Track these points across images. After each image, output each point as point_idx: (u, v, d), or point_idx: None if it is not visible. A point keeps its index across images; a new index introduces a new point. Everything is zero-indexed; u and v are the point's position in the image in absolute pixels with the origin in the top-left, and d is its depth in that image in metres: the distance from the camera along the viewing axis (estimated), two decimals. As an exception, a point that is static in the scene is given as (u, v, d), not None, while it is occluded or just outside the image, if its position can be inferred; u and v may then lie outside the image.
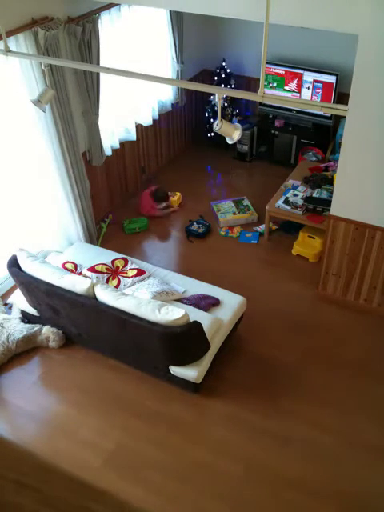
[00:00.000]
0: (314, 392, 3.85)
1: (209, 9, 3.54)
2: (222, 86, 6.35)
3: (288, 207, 5.11)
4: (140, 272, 4.30)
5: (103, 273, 4.28)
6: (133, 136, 5.67)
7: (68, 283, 3.69)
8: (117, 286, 4.21)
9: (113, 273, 4.32)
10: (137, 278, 4.27)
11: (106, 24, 4.73)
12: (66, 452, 3.51)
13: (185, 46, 5.97)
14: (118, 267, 4.37)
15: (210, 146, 6.88)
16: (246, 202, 5.82)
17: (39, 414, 3.78)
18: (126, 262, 4.43)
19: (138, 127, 5.78)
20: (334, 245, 4.30)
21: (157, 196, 5.77)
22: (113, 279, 4.28)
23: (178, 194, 5.93)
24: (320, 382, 3.93)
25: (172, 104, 6.27)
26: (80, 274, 4.23)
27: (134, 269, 4.34)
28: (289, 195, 5.23)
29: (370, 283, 4.33)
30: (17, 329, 4.13)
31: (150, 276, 4.30)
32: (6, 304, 4.58)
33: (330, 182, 5.29)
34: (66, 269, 4.24)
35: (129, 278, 4.28)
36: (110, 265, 4.38)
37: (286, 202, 5.16)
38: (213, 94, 6.42)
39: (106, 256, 4.50)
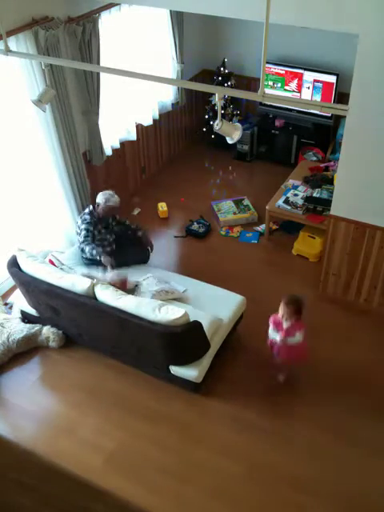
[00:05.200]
0: (313, 391, 3.85)
1: (209, 9, 3.54)
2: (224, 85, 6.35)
3: (288, 207, 5.11)
4: None
5: None
6: (133, 136, 5.68)
7: (68, 283, 3.69)
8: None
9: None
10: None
11: (106, 24, 4.73)
12: (66, 452, 3.51)
13: (185, 45, 5.97)
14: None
15: (210, 146, 6.87)
16: (246, 201, 5.82)
17: (39, 413, 3.78)
18: None
19: (138, 127, 5.79)
20: (334, 245, 4.30)
21: None
22: None
23: (164, 204, 5.78)
24: (320, 381, 3.93)
25: (172, 104, 6.27)
26: None
27: None
28: (289, 195, 5.23)
29: (370, 283, 4.33)
30: (17, 329, 4.13)
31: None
32: (6, 304, 4.58)
33: (331, 181, 5.29)
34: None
35: None
36: None
37: (287, 201, 5.16)
38: (213, 94, 6.42)
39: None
